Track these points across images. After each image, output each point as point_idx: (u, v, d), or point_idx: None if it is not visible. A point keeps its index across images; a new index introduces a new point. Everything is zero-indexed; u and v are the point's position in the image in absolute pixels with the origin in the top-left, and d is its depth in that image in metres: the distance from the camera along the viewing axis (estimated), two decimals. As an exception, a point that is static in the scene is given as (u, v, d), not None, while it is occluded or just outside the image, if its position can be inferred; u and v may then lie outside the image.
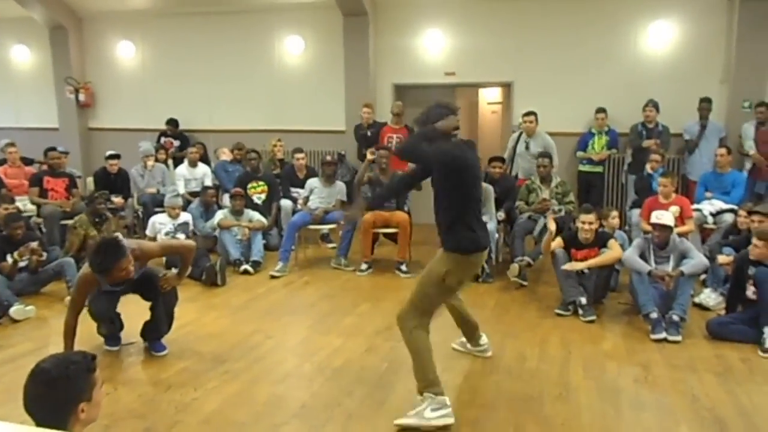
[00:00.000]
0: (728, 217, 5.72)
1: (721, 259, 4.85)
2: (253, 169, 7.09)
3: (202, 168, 7.63)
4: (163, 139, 8.66)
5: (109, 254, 3.44)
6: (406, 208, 6.22)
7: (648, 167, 6.34)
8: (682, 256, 4.55)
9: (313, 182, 6.56)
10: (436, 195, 3.18)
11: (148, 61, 9.40)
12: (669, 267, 4.54)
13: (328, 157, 6.73)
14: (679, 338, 4.16)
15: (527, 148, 6.74)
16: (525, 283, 5.46)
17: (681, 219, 5.37)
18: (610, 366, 3.81)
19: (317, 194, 6.45)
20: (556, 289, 4.95)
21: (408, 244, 6.03)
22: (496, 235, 5.81)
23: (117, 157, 7.30)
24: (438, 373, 3.09)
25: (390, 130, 7.27)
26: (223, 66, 8.88)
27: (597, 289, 4.84)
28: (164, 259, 5.38)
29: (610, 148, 7.10)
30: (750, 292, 4.26)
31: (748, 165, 6.62)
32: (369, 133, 7.42)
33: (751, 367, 3.78)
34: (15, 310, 4.59)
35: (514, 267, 5.42)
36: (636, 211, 6.01)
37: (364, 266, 5.98)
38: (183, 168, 7.61)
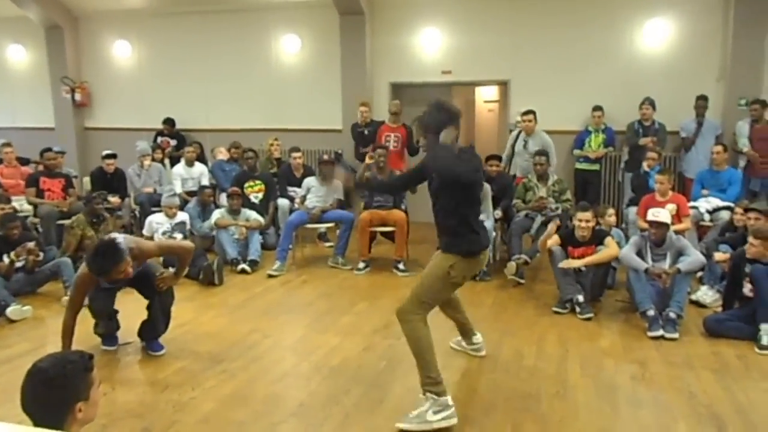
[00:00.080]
0: (725, 215, 5.73)
1: (718, 256, 4.87)
2: (250, 169, 7.09)
3: (199, 167, 7.62)
4: (159, 139, 8.64)
5: (108, 258, 3.45)
6: (403, 207, 6.23)
7: (645, 165, 6.36)
8: (679, 254, 4.56)
9: (310, 181, 6.56)
10: (436, 199, 3.15)
11: (144, 61, 9.38)
12: (666, 264, 4.56)
13: (325, 156, 6.73)
14: (676, 335, 4.17)
15: (525, 146, 6.74)
16: (522, 281, 5.46)
17: (678, 217, 5.38)
18: (608, 363, 3.82)
19: (314, 193, 6.45)
20: (554, 287, 4.96)
21: (405, 242, 6.03)
22: (494, 234, 5.82)
23: (113, 156, 7.28)
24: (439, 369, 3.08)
25: (388, 128, 7.27)
26: (220, 65, 8.87)
27: (594, 286, 4.86)
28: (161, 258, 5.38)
29: (607, 146, 7.10)
30: (747, 289, 4.27)
31: (742, 163, 6.63)
32: (366, 132, 7.42)
33: (747, 364, 3.79)
34: (12, 311, 4.58)
35: (512, 265, 5.43)
36: (633, 209, 6.02)
37: (361, 265, 5.98)
38: (180, 167, 7.60)
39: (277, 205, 6.97)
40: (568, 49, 7.47)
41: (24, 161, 7.57)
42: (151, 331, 3.99)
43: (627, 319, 4.61)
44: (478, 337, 3.89)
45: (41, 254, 5.12)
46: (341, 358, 3.88)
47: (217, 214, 6.30)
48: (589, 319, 4.56)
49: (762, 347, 3.95)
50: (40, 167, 7.10)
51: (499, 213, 5.98)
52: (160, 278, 3.92)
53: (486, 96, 9.90)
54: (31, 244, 5.03)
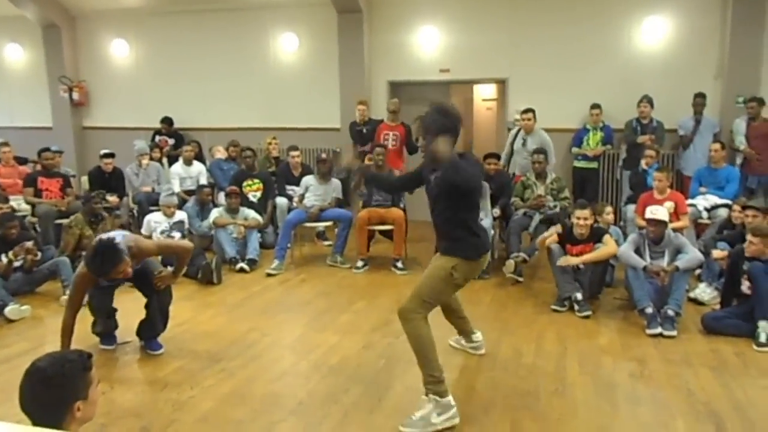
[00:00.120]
0: (723, 212, 5.74)
1: (716, 253, 4.87)
2: (248, 167, 7.08)
3: (197, 166, 7.61)
4: (157, 138, 8.63)
5: (107, 259, 3.45)
6: (401, 205, 6.23)
7: (643, 163, 6.36)
8: (677, 251, 4.57)
9: (308, 180, 6.55)
10: (435, 204, 3.13)
11: (142, 60, 9.37)
12: (664, 262, 4.56)
13: (323, 155, 6.73)
14: (674, 333, 4.18)
15: (524, 145, 6.74)
16: (521, 279, 5.47)
17: (676, 214, 5.39)
18: (606, 361, 3.82)
19: (313, 192, 6.44)
20: (552, 285, 4.97)
21: (404, 241, 6.03)
22: (492, 232, 5.82)
23: (111, 155, 7.28)
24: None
25: (386, 127, 7.26)
26: (218, 64, 8.86)
27: (592, 284, 4.86)
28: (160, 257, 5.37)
29: (605, 143, 7.10)
30: (745, 286, 4.28)
31: (738, 160, 6.64)
32: (364, 131, 7.41)
33: (745, 361, 3.80)
34: (10, 310, 4.57)
35: (510, 263, 5.43)
36: (631, 207, 6.03)
37: (360, 263, 5.98)
38: (178, 166, 7.58)
39: (276, 203, 6.97)
40: (566, 47, 7.47)
41: (22, 161, 7.57)
42: (150, 330, 3.99)
43: (625, 317, 4.62)
44: (477, 336, 3.89)
45: (39, 254, 5.12)
46: (340, 357, 3.88)
47: (215, 213, 6.29)
48: (587, 316, 4.57)
49: (760, 344, 3.96)
50: (38, 167, 7.09)
51: (497, 211, 5.98)
52: (158, 277, 3.91)
53: (484, 94, 9.91)
54: (29, 244, 5.03)
